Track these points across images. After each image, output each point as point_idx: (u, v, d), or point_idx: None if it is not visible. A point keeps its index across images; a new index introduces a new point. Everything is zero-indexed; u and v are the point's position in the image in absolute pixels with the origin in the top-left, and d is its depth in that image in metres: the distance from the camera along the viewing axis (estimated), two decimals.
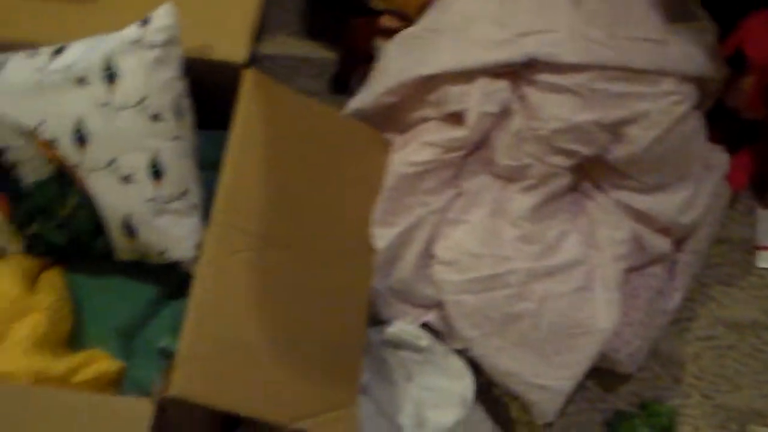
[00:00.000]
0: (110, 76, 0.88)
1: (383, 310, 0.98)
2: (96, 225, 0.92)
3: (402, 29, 1.11)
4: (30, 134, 0.89)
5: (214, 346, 0.82)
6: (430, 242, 0.98)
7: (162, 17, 0.90)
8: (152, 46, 0.89)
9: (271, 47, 1.25)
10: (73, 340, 0.95)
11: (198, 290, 0.83)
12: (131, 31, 0.89)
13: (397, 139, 1.02)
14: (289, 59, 1.23)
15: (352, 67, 1.17)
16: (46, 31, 0.97)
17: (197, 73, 0.93)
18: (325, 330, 0.89)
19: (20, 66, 0.91)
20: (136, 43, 0.89)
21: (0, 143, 0.90)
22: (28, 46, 0.95)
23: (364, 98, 1.01)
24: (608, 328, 0.96)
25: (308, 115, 0.97)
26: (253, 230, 0.88)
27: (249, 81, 0.93)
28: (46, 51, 0.92)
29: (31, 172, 0.91)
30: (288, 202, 0.91)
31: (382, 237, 0.95)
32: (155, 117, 0.90)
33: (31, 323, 0.91)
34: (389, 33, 1.13)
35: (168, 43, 0.90)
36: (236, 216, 0.88)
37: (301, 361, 0.85)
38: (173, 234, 0.92)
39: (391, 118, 1.02)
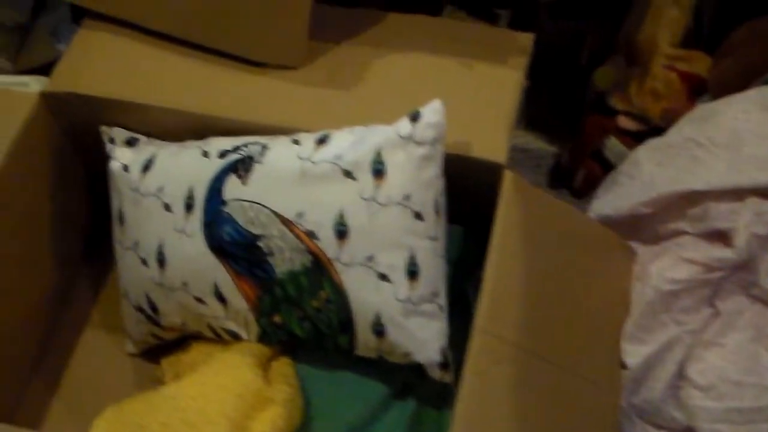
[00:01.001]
0: (378, 170, 0.87)
1: (627, 428, 0.93)
2: (342, 321, 0.89)
3: (640, 132, 1.08)
4: (289, 224, 0.88)
5: None
6: (683, 364, 0.92)
7: (432, 114, 0.88)
8: (421, 143, 0.87)
9: None
10: None
11: (464, 402, 0.80)
12: (403, 126, 0.87)
13: (643, 250, 0.97)
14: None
15: (580, 163, 1.13)
16: (302, 118, 0.96)
17: (454, 169, 0.91)
18: None
19: (284, 152, 0.90)
20: (408, 138, 0.87)
21: (257, 230, 0.89)
22: (286, 131, 0.95)
23: (616, 205, 0.97)
24: None
25: (562, 220, 0.94)
26: (514, 340, 0.84)
27: (509, 182, 0.90)
28: (308, 138, 0.91)
29: (285, 261, 0.89)
30: (545, 311, 0.87)
31: (633, 354, 0.91)
32: (417, 215, 0.87)
33: (271, 417, 0.89)
34: (624, 133, 1.10)
35: (436, 140, 0.88)
36: (499, 324, 0.84)
37: None
38: (421, 336, 0.89)
39: (636, 227, 0.98)
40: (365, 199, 0.86)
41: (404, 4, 1.06)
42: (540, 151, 1.21)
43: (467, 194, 0.92)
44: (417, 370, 0.94)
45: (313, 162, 0.88)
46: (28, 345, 1.08)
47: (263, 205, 0.89)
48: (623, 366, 0.91)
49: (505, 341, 0.83)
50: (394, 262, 0.87)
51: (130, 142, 1.01)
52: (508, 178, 0.91)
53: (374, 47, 1.01)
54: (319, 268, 0.88)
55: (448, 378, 0.91)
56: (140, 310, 0.99)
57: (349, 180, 0.87)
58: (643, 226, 0.97)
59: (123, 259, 0.99)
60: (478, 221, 0.93)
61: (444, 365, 0.90)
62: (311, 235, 0.87)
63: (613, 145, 1.10)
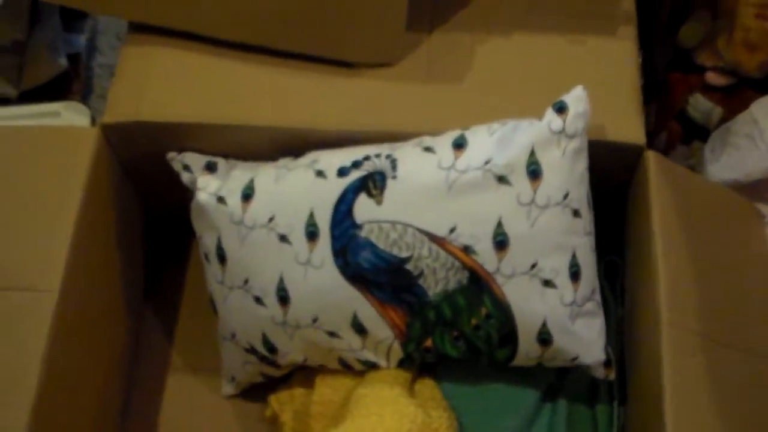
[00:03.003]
0: (534, 172, 0.80)
1: None
2: (503, 335, 0.83)
3: (729, 86, 1.04)
4: (441, 241, 0.80)
5: None
6: None
7: (578, 103, 0.81)
8: (573, 136, 0.81)
9: None
10: None
11: (672, 402, 0.75)
12: (553, 119, 0.80)
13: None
14: None
15: (664, 125, 1.09)
16: (413, 120, 0.88)
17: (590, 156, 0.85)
18: None
19: (421, 163, 0.82)
20: (560, 133, 0.80)
21: (404, 253, 0.81)
22: (397, 136, 0.87)
23: (744, 169, 0.93)
24: None
25: (705, 194, 0.90)
26: (700, 330, 0.80)
27: (655, 164, 0.85)
28: (442, 144, 0.83)
29: (438, 282, 0.81)
30: (716, 294, 0.83)
31: None
32: (575, 213, 0.81)
33: None
34: (714, 90, 1.06)
35: (584, 131, 0.81)
36: (683, 315, 0.79)
37: None
38: (586, 338, 0.83)
39: (761, 189, 0.94)
40: (524, 205, 0.79)
41: None
42: None
43: (598, 179, 0.86)
44: (561, 369, 0.90)
45: (459, 171, 0.80)
46: (113, 400, 0.97)
47: (408, 224, 0.80)
48: None
49: (692, 332, 0.79)
50: (558, 266, 0.81)
51: (210, 168, 0.90)
52: (652, 160, 0.85)
53: (470, 31, 0.92)
54: (477, 284, 0.81)
55: (612, 375, 0.87)
56: (252, 351, 0.90)
57: (504, 186, 0.79)
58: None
59: (227, 300, 0.89)
60: (602, 203, 0.87)
61: (608, 363, 0.86)
62: (467, 250, 0.80)
63: (699, 102, 1.06)
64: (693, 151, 1.11)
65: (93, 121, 1.00)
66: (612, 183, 0.89)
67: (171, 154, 0.91)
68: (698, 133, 1.10)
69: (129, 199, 0.97)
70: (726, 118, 1.05)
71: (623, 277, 0.93)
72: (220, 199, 0.87)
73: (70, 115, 0.97)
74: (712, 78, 1.04)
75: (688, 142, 1.11)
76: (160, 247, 1.07)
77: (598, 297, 0.85)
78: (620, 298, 0.94)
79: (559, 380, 0.91)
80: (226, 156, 0.92)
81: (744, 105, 1.01)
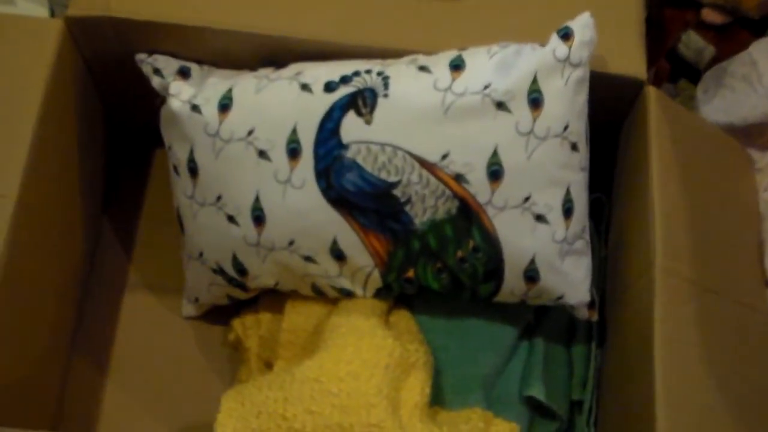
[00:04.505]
0: (535, 100, 0.75)
1: None
2: (489, 270, 0.79)
3: (724, 25, 1.01)
4: (432, 167, 0.76)
5: (692, 418, 0.72)
6: None
7: (585, 30, 0.77)
8: (577, 65, 0.76)
9: None
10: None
11: (661, 352, 0.73)
12: (557, 46, 0.76)
13: (759, 156, 0.92)
14: None
15: (655, 61, 1.05)
16: (405, 36, 0.82)
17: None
18: (755, 375, 0.80)
19: (415, 83, 0.77)
20: (564, 61, 0.75)
21: (392, 177, 0.76)
22: (388, 53, 0.81)
23: (740, 112, 0.90)
24: None
25: (701, 135, 0.87)
26: (692, 277, 0.77)
27: (655, 101, 0.82)
28: (438, 64, 0.77)
29: (426, 210, 0.77)
30: (707, 239, 0.81)
31: None
32: (573, 146, 0.78)
33: (419, 385, 0.79)
34: (708, 29, 1.02)
35: (588, 61, 0.77)
36: (677, 262, 0.77)
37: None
38: (574, 276, 0.81)
39: (753, 134, 0.92)
40: (522, 134, 0.75)
41: None
42: None
43: (593, 113, 0.82)
44: (540, 308, 0.87)
45: (456, 94, 0.75)
46: (67, 314, 0.91)
47: (398, 147, 0.76)
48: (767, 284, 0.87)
49: (685, 279, 0.77)
50: (551, 201, 0.77)
51: (184, 73, 0.84)
52: (653, 96, 0.82)
53: None
54: (466, 215, 0.77)
55: (595, 317, 0.84)
56: (220, 272, 0.85)
57: (503, 113, 0.75)
58: (765, 132, 0.91)
59: (197, 217, 0.83)
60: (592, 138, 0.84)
61: (592, 304, 0.83)
62: (459, 178, 0.76)
63: (691, 40, 1.03)
64: (679, 90, 1.08)
65: (52, 13, 0.91)
66: (606, 118, 0.85)
67: (141, 56, 0.85)
68: (686, 71, 1.07)
69: (92, 102, 0.90)
70: (717, 59, 1.01)
71: (609, 217, 0.91)
72: (195, 108, 0.81)
73: (25, 4, 0.89)
74: (709, 14, 1.00)
75: (675, 80, 1.08)
76: (121, 156, 1.01)
77: (587, 236, 0.82)
78: (604, 238, 0.91)
79: (537, 319, 0.89)
80: (200, 62, 0.86)
81: (737, 46, 0.98)
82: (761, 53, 0.91)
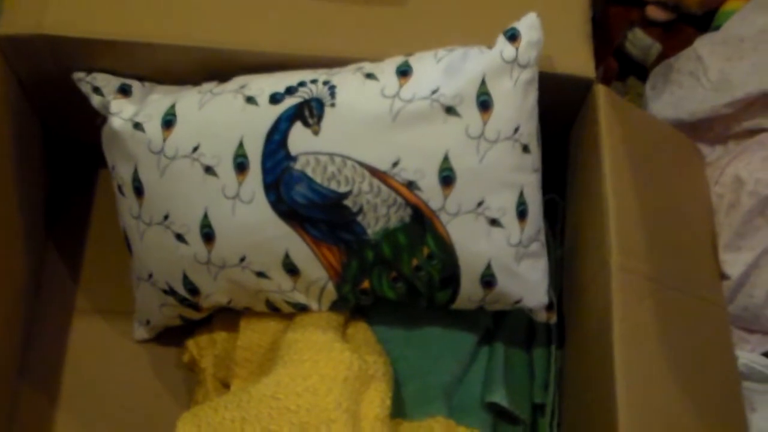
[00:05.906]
0: (484, 103, 0.74)
1: None
2: (445, 277, 0.78)
3: (669, 22, 1.01)
4: (383, 175, 0.74)
5: (653, 416, 0.71)
6: None
7: (531, 31, 0.76)
8: (525, 66, 0.76)
9: None
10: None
11: (620, 349, 0.72)
12: (505, 47, 0.75)
13: (709, 150, 0.92)
14: None
15: (602, 59, 1.05)
16: (348, 44, 0.81)
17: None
18: (715, 368, 0.80)
19: (362, 91, 0.75)
20: (512, 62, 0.75)
21: (342, 187, 0.75)
22: (330, 62, 0.80)
23: (687, 107, 0.90)
24: None
25: (650, 131, 0.87)
26: (647, 272, 0.77)
27: (604, 99, 0.81)
28: (385, 70, 0.76)
29: (379, 219, 0.76)
30: (660, 235, 0.81)
31: (733, 264, 0.86)
32: (525, 148, 0.77)
33: (379, 396, 0.77)
34: (653, 26, 1.03)
35: (536, 61, 0.76)
36: (632, 259, 0.76)
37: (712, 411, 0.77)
38: (531, 279, 0.80)
39: (703, 128, 0.92)
40: (473, 138, 0.74)
41: None
42: None
43: (542, 113, 0.82)
44: (499, 312, 0.86)
45: (404, 100, 0.74)
46: (12, 341, 0.88)
47: (347, 157, 0.74)
48: (723, 276, 0.87)
49: (641, 275, 0.76)
50: (505, 205, 0.76)
51: (125, 91, 0.82)
52: (602, 94, 0.81)
53: None
54: (420, 222, 0.76)
55: (553, 319, 0.84)
56: (171, 293, 0.83)
57: (452, 117, 0.74)
58: (713, 127, 0.91)
59: (144, 237, 0.81)
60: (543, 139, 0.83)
61: (550, 306, 0.82)
62: (411, 185, 0.74)
63: (637, 38, 1.03)
64: (628, 88, 1.08)
65: None
66: (556, 118, 0.84)
67: (78, 74, 0.82)
68: (634, 69, 1.07)
69: (29, 122, 0.87)
70: (664, 55, 1.02)
71: (564, 217, 0.90)
72: (137, 126, 0.78)
73: None
74: (653, 12, 1.01)
75: (623, 78, 1.08)
76: (66, 177, 0.98)
77: (542, 237, 0.81)
78: (560, 239, 0.90)
79: (496, 322, 0.88)
80: (141, 78, 0.84)
81: (683, 42, 0.98)
82: (706, 48, 0.92)
